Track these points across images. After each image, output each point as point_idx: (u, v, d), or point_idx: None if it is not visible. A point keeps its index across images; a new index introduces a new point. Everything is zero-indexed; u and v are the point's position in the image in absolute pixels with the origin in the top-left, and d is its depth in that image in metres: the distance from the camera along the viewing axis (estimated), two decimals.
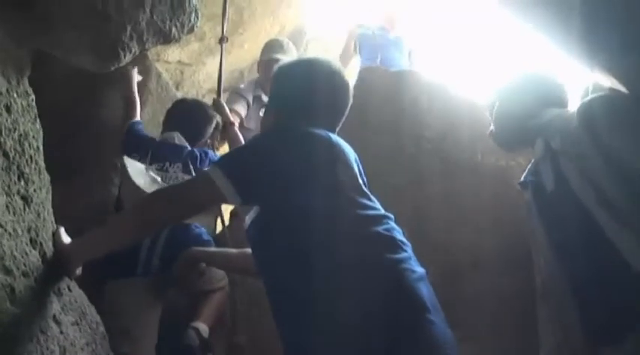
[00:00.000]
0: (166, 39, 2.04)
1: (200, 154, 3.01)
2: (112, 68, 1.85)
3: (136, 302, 2.40)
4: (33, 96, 1.66)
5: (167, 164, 2.88)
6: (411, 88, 3.02)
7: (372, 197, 1.70)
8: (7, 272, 1.31)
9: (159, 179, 2.73)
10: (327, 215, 1.56)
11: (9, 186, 1.45)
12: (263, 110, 3.92)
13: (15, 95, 1.55)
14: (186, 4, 2.06)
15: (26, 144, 1.55)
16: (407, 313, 1.49)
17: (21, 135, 1.53)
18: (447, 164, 2.71)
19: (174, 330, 2.43)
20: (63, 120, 2.80)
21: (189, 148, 3.02)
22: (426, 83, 3.05)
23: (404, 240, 1.64)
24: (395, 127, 2.93)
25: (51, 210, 1.68)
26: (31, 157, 1.56)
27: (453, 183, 2.64)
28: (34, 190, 1.56)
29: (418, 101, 2.94)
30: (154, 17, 1.94)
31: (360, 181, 1.71)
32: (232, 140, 3.30)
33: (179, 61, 4.34)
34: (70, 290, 1.63)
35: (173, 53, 4.20)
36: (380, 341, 1.43)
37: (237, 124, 3.52)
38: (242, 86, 4.09)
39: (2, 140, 1.44)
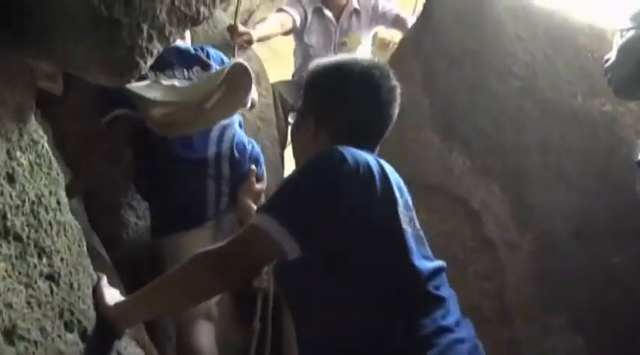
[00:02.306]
0: (195, 22, 1.67)
1: (203, 49, 2.65)
2: (133, 80, 1.53)
3: None
4: (43, 141, 1.38)
5: (184, 71, 2.52)
6: (495, 7, 2.53)
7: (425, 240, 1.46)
8: None
9: (176, 83, 2.38)
10: (387, 271, 1.33)
11: (28, 274, 1.22)
12: (324, 24, 3.63)
13: (18, 154, 1.28)
14: None
15: (42, 211, 1.30)
16: None
17: (33, 202, 1.28)
18: (540, 107, 2.29)
19: None
20: None
21: (194, 46, 2.66)
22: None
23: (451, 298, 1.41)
24: (476, 58, 2.49)
25: (87, 262, 1.47)
26: (50, 222, 1.32)
27: (549, 133, 2.24)
28: (62, 259, 1.34)
29: (503, 24, 2.46)
30: (176, 3, 1.57)
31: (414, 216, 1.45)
32: None
33: None
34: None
35: None
36: None
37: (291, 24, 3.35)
38: None
39: (9, 224, 1.19)
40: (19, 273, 1.21)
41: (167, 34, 1.56)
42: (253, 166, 2.30)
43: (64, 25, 1.37)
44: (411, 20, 3.47)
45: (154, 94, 2.28)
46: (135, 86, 2.31)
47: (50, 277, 1.29)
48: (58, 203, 1.39)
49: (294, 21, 3.52)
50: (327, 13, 3.64)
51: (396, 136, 2.61)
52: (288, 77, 3.93)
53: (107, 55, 1.44)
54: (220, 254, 1.33)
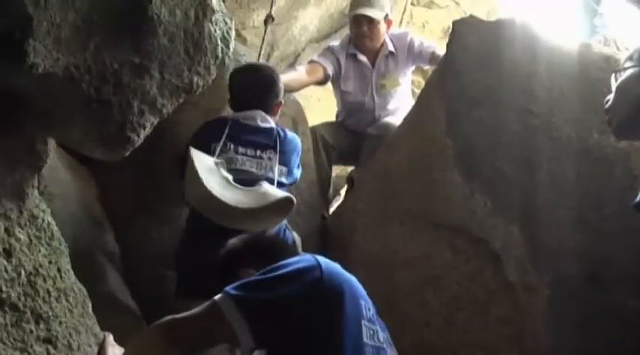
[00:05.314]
0: (189, 92, 1.79)
1: (280, 134, 2.75)
2: (127, 153, 1.66)
3: None
4: (44, 215, 1.53)
5: (258, 151, 2.66)
6: (512, 43, 2.51)
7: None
8: None
9: (230, 177, 2.50)
10: None
11: (23, 340, 1.36)
12: (359, 69, 3.68)
13: (18, 230, 1.43)
14: (205, 42, 1.77)
15: (40, 280, 1.44)
16: None
17: (30, 273, 1.42)
18: (556, 145, 2.25)
19: None
20: None
21: (275, 128, 2.76)
22: (528, 35, 2.51)
23: None
24: (495, 98, 2.48)
25: (92, 322, 1.61)
26: (48, 290, 1.46)
27: (565, 172, 2.19)
28: (60, 322, 1.47)
29: (520, 61, 2.45)
30: (166, 77, 1.68)
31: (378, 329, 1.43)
32: None
33: None
34: None
35: (259, 17, 3.94)
36: None
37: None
38: (336, 44, 3.78)
39: (4, 295, 1.34)
40: (15, 340, 1.34)
41: (159, 106, 1.68)
42: None
43: (59, 108, 1.52)
44: None
45: (210, 182, 2.43)
46: (199, 160, 2.48)
47: (47, 340, 1.43)
48: (59, 270, 1.53)
49: (324, 70, 3.57)
50: (362, 58, 3.66)
51: (422, 177, 2.66)
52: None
53: (99, 132, 1.58)
54: (172, 327, 1.38)
